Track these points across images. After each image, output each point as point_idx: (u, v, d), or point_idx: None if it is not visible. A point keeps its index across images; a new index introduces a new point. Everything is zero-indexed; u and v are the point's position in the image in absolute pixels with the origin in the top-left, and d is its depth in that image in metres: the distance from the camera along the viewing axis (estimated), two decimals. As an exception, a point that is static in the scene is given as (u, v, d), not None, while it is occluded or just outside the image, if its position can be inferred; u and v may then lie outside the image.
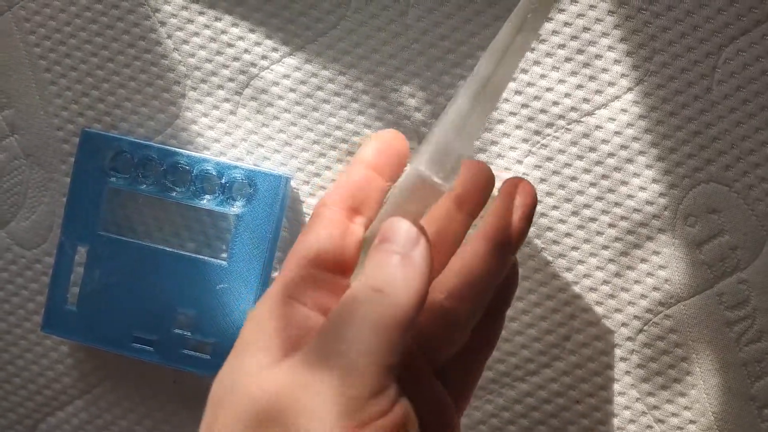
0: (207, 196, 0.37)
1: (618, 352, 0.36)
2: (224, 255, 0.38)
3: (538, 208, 0.36)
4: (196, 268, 0.37)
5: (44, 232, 0.40)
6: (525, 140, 0.36)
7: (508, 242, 0.27)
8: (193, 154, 0.37)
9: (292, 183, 0.38)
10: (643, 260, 0.36)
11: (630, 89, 0.36)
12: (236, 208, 0.37)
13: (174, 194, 0.37)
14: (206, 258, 0.37)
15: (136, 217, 0.39)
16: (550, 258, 0.36)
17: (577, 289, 0.36)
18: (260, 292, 0.37)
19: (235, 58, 0.38)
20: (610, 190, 0.36)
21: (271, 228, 0.36)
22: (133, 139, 0.38)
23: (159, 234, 0.39)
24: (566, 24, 0.36)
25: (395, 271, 0.23)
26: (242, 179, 0.37)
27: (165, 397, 0.40)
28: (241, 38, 0.38)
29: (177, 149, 0.37)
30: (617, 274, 0.36)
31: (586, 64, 0.36)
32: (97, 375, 0.40)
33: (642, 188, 0.36)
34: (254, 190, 0.36)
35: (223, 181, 0.37)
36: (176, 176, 0.37)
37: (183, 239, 0.39)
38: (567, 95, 0.36)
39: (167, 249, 0.37)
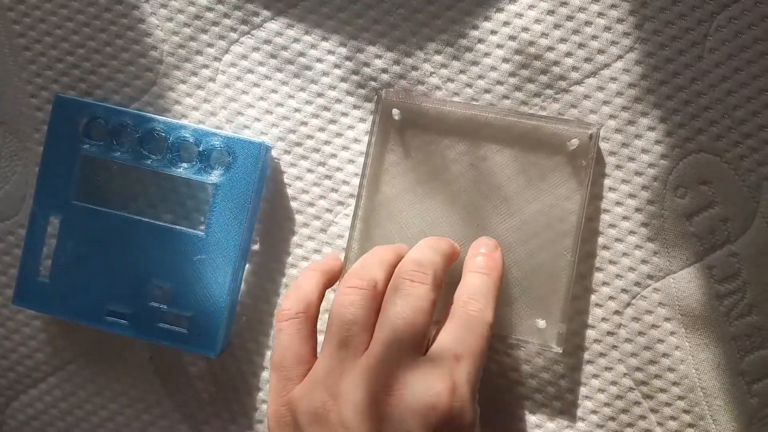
0: (184, 164, 0.36)
1: (605, 326, 0.35)
2: (202, 225, 0.37)
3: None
4: (172, 239, 0.36)
5: (17, 203, 0.39)
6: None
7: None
8: (170, 120, 0.36)
9: (273, 152, 0.37)
10: (631, 232, 0.35)
11: (620, 57, 0.35)
12: (214, 176, 0.35)
13: (149, 162, 0.36)
14: (183, 228, 0.36)
15: (110, 186, 0.38)
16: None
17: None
18: (238, 263, 0.35)
19: (215, 23, 0.37)
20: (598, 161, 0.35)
21: (250, 198, 0.35)
22: (107, 105, 0.37)
23: (134, 204, 0.38)
24: (555, -11, 0.35)
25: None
26: (221, 147, 0.35)
27: (141, 373, 0.38)
28: (220, 2, 0.37)
29: (152, 115, 0.36)
30: (605, 247, 0.35)
31: (575, 31, 0.35)
32: (72, 351, 0.39)
33: (631, 158, 0.35)
34: (233, 159, 0.35)
35: (200, 148, 0.36)
36: (152, 143, 0.36)
37: (159, 209, 0.38)
38: (556, 63, 0.35)
39: (142, 219, 0.36)
